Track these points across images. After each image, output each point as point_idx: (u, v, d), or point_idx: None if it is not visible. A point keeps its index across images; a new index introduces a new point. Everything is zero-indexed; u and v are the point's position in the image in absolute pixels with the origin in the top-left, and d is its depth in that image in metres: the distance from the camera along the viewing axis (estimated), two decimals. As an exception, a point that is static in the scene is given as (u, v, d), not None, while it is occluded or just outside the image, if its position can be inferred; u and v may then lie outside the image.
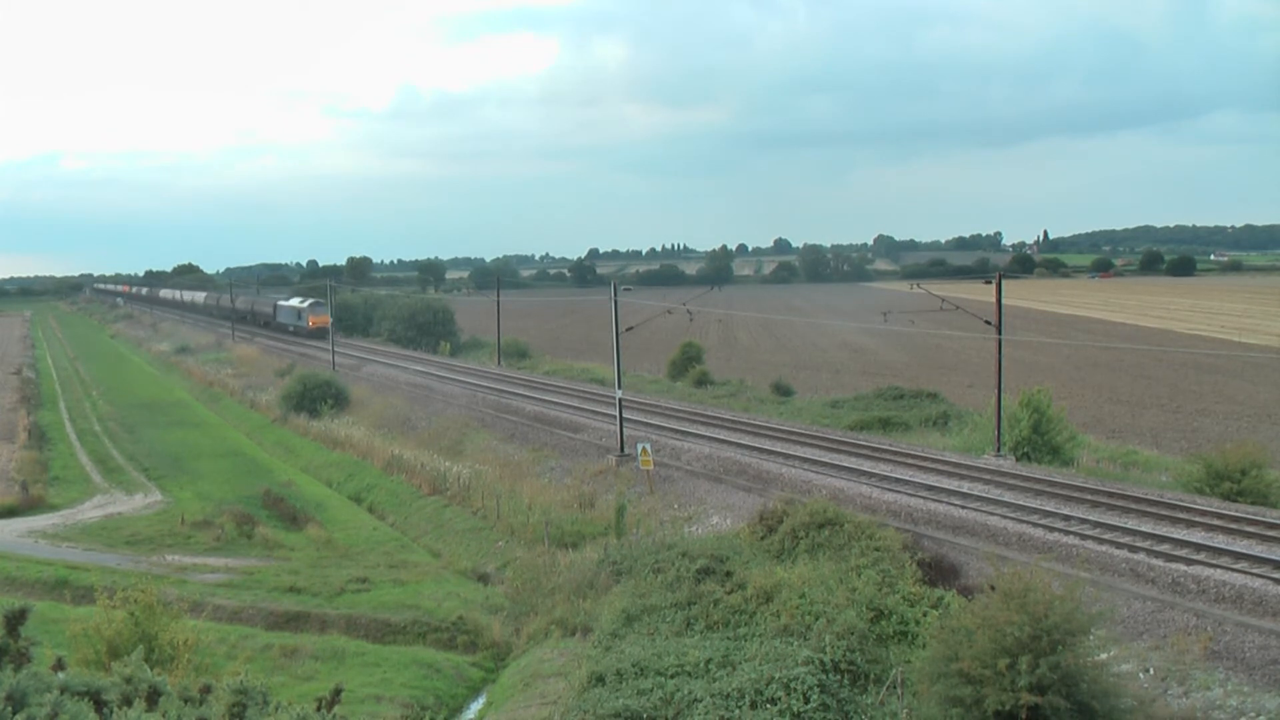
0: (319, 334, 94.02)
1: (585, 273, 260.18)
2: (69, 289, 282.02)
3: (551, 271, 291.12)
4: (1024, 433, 36.84)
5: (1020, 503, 28.06)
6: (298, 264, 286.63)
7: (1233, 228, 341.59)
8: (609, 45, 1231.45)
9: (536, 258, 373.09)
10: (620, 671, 19.96)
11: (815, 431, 41.41)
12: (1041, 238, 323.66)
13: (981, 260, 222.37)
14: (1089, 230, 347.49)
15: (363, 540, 36.60)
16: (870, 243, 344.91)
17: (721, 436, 40.63)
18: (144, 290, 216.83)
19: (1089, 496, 28.21)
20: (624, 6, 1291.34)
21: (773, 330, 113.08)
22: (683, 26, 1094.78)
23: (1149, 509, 26.64)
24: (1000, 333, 36.46)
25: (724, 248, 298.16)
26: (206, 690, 9.12)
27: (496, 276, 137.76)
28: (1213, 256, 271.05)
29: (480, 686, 24.60)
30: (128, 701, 7.84)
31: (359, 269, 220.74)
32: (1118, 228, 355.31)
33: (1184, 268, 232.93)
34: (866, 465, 33.86)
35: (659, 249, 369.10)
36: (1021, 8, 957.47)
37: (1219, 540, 23.59)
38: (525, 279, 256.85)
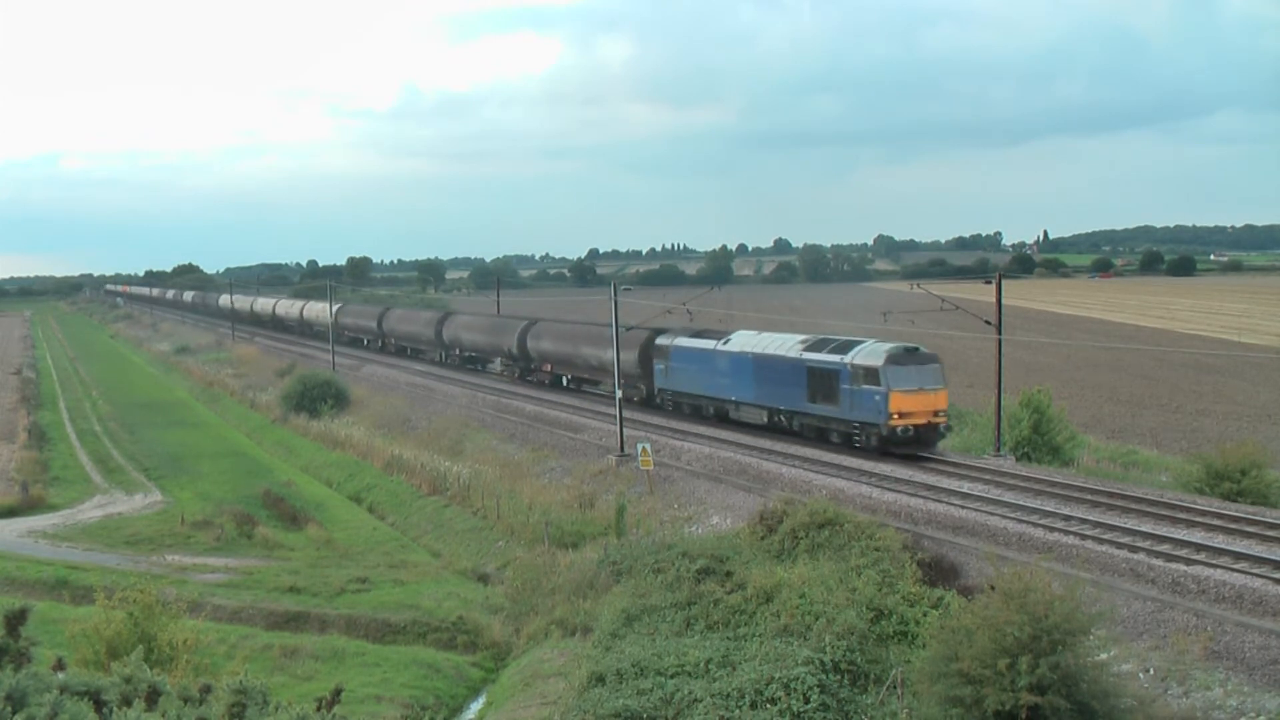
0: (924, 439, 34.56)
1: (585, 273, 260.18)
2: (69, 289, 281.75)
3: (551, 271, 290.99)
4: (1024, 433, 36.85)
5: (1020, 503, 28.05)
6: (297, 264, 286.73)
7: (1233, 228, 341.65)
8: (612, 44, 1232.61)
9: (536, 258, 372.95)
10: (620, 671, 19.96)
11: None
12: (1041, 238, 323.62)
13: (981, 260, 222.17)
14: (1089, 230, 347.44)
15: (363, 540, 36.61)
16: (870, 243, 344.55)
17: (721, 436, 40.59)
18: (180, 295, 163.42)
19: (1089, 496, 28.20)
20: (628, 5, 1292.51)
21: (773, 330, 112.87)
22: (687, 25, 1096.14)
23: (1149, 509, 26.62)
24: (1000, 333, 36.45)
25: (724, 248, 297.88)
26: (206, 690, 9.14)
27: (496, 276, 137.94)
28: (1213, 256, 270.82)
29: (480, 686, 24.63)
30: (127, 701, 7.85)
31: (359, 269, 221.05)
32: (1118, 228, 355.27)
33: (1184, 268, 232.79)
34: (866, 465, 33.84)
35: (659, 249, 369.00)
36: (1026, 7, 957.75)
37: (1219, 540, 23.58)
38: (525, 279, 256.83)
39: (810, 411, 37.03)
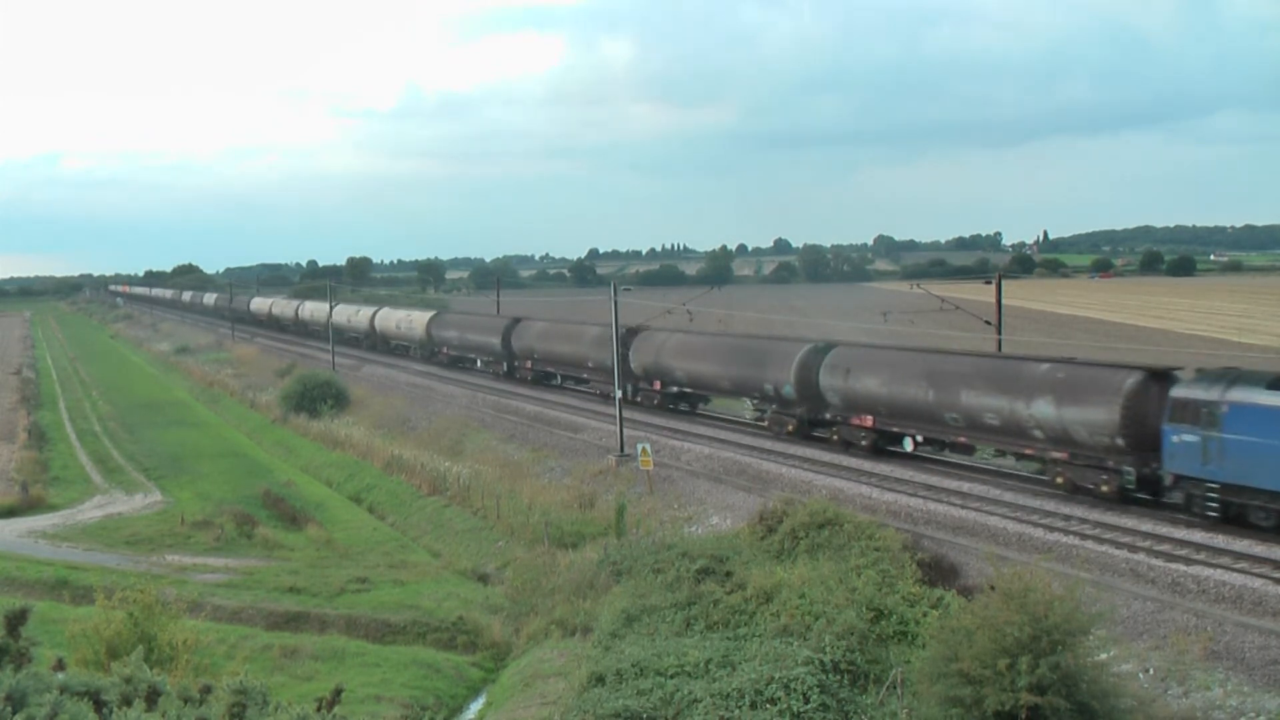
0: None
1: (585, 273, 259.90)
2: (69, 289, 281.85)
3: (551, 271, 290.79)
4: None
5: (1020, 503, 28.06)
6: (297, 264, 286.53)
7: (1233, 228, 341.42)
8: (615, 44, 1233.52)
9: (536, 258, 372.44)
10: (620, 671, 19.94)
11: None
12: (1041, 238, 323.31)
13: (981, 260, 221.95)
14: (1089, 230, 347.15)
15: (363, 540, 36.60)
16: (870, 243, 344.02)
17: (721, 436, 40.59)
18: (198, 297, 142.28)
19: (1089, 496, 28.19)
20: (630, 5, 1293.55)
21: (773, 330, 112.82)
22: (690, 25, 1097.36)
23: (1149, 509, 26.62)
24: (1000, 333, 36.46)
25: (724, 248, 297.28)
26: (206, 690, 9.14)
27: (496, 276, 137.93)
28: (1213, 256, 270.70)
29: (480, 686, 24.61)
30: (127, 701, 7.85)
31: (359, 269, 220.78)
32: (1118, 228, 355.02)
33: (1184, 268, 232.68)
34: (867, 465, 33.84)
35: (659, 249, 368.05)
36: (1028, 7, 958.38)
37: (1219, 540, 23.59)
38: (525, 279, 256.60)
39: None
